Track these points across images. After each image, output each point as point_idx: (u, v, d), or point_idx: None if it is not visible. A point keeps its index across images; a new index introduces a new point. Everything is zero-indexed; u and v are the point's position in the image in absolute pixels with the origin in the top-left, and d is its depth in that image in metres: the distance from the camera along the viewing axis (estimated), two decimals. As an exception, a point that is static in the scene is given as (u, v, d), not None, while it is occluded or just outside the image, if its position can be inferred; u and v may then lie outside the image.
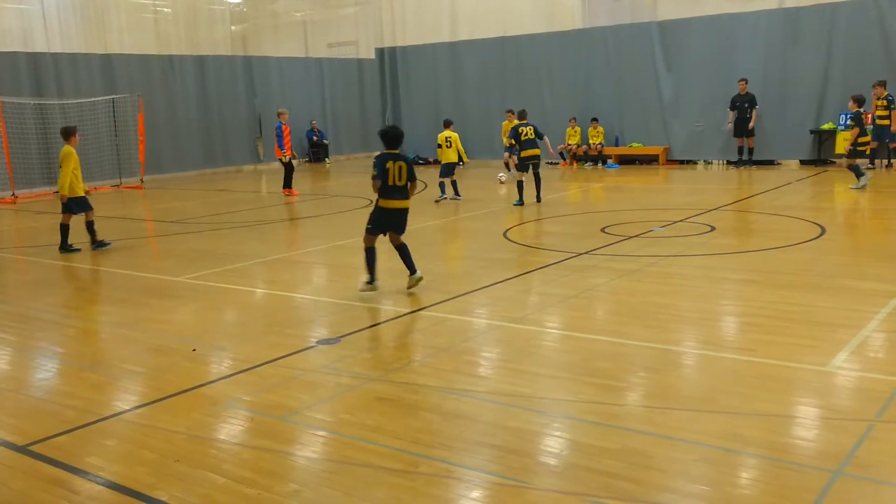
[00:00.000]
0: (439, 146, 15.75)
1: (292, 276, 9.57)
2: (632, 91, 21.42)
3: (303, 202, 16.75)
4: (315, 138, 26.07)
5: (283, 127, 17.21)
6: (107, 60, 21.28)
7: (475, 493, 4.03)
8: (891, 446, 4.31)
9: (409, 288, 8.11)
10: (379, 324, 7.27)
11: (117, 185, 20.47)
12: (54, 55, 20.36)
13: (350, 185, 18.17)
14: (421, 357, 6.21)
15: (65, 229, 11.36)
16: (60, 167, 11.29)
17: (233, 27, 25.97)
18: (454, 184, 15.77)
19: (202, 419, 5.09)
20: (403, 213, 8.07)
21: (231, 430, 5.00)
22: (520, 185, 14.26)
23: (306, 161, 26.09)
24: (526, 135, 14.21)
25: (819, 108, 18.92)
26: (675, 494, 3.88)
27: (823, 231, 10.62)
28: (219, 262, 10.31)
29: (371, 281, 8.03)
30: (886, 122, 16.98)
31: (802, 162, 19.31)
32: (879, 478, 3.96)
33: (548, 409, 5.08)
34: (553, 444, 4.56)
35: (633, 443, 4.46)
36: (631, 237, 10.71)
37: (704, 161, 20.98)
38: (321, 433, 4.82)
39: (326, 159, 25.84)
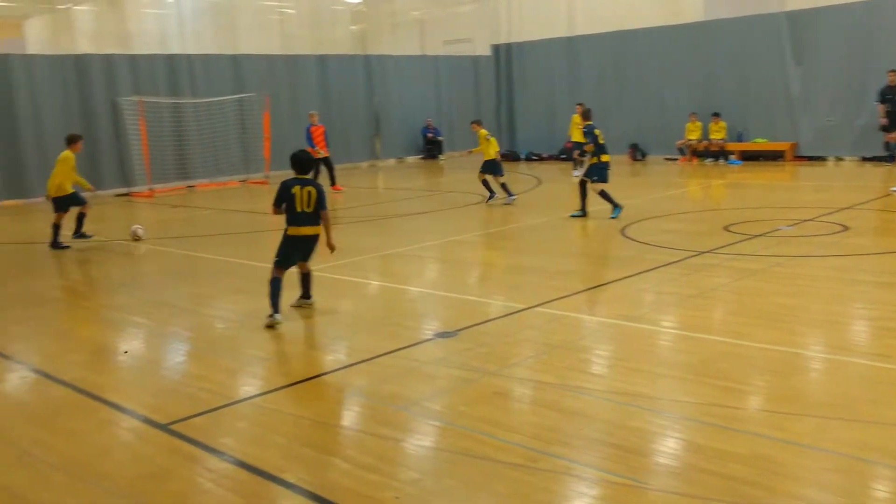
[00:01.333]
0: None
1: (408, 270, 9.76)
2: (757, 85, 20.62)
3: (418, 198, 17.02)
4: (430, 135, 26.40)
5: (311, 128, 18.12)
6: (236, 61, 22.24)
7: (594, 491, 4.02)
8: None
9: (293, 305, 7.73)
10: (494, 319, 7.33)
11: (244, 181, 21.38)
12: (188, 56, 21.45)
13: (463, 181, 18.30)
14: (537, 354, 6.23)
15: (56, 228, 11.97)
16: (55, 168, 12.03)
17: (352, 27, 26.62)
18: (504, 186, 14.90)
19: (326, 406, 5.29)
20: (313, 240, 7.56)
21: (353, 417, 5.18)
22: (606, 194, 12.42)
23: (421, 158, 26.47)
24: (602, 137, 12.60)
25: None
26: (805, 503, 3.76)
27: (969, 232, 9.94)
28: (337, 255, 10.56)
29: (273, 314, 7.23)
30: None
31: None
32: None
33: (667, 409, 5.00)
34: (673, 446, 4.49)
35: (760, 448, 4.33)
36: (755, 236, 10.35)
37: (836, 157, 19.97)
38: (440, 424, 4.92)
39: (440, 156, 26.13)
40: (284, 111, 22.71)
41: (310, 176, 7.56)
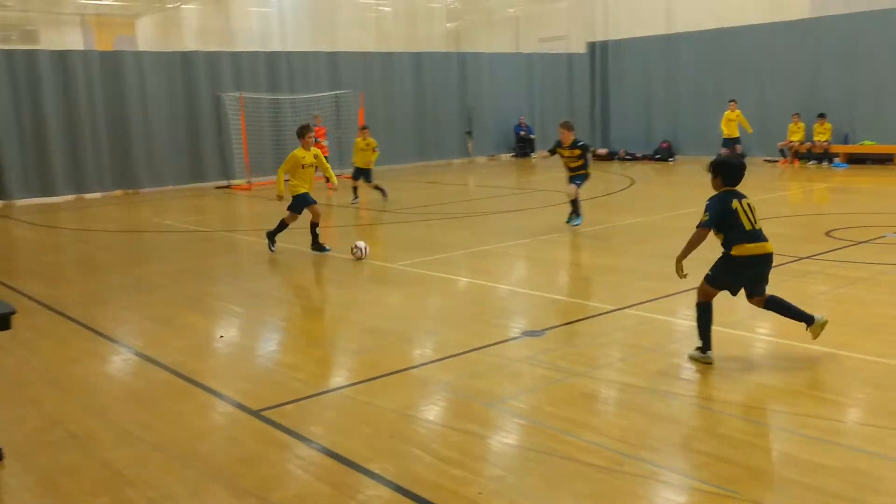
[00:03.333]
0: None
1: (497, 267, 9.77)
2: (866, 84, 19.72)
3: (510, 195, 16.99)
4: (522, 133, 26.31)
5: (315, 129, 18.21)
6: (332, 58, 22.71)
7: (681, 498, 3.95)
8: None
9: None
10: (583, 319, 7.26)
11: (338, 175, 21.80)
12: (287, 53, 22.03)
13: (555, 179, 18.16)
14: (625, 356, 6.14)
15: (281, 225, 10.98)
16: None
17: (448, 24, 26.78)
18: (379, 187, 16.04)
19: (413, 399, 5.36)
20: (768, 259, 6.03)
21: (439, 411, 5.22)
22: (577, 202, 12.05)
23: (513, 156, 26.41)
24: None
25: None
26: (904, 522, 3.59)
27: None
28: (429, 250, 10.73)
29: (705, 351, 5.92)
30: None
31: None
32: None
33: (762, 418, 4.86)
34: (766, 456, 4.36)
35: (856, 462, 4.16)
36: (860, 242, 9.91)
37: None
38: (525, 422, 4.92)
39: (532, 154, 26.02)
40: (379, 108, 23.04)
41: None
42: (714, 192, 5.92)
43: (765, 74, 21.60)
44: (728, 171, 5.90)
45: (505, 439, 4.73)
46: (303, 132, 10.93)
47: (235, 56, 21.08)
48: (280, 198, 10.87)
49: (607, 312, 7.34)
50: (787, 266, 8.83)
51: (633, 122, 24.88)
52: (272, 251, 10.93)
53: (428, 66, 24.62)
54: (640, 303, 7.53)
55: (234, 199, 18.41)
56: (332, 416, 5.18)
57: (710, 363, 5.81)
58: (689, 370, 5.81)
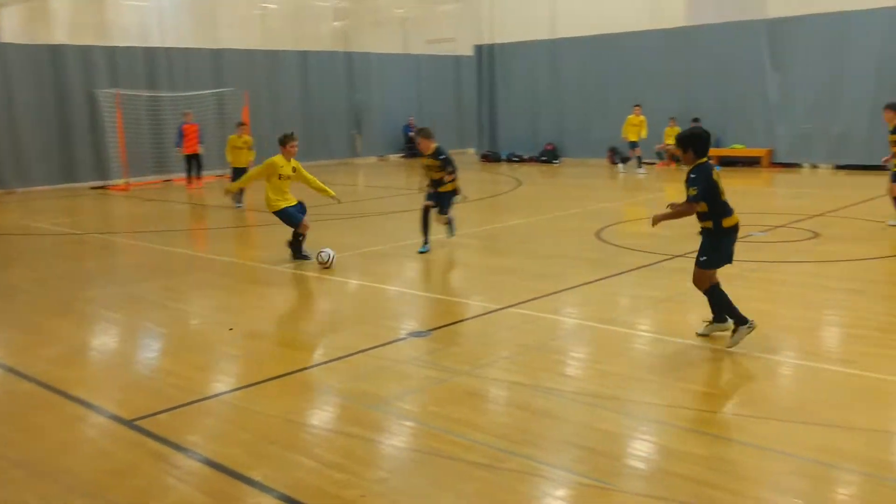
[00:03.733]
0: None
1: (385, 269, 9.74)
2: (736, 91, 20.79)
3: (398, 196, 16.98)
4: (412, 134, 26.34)
5: (184, 126, 18.52)
6: (215, 55, 22.09)
7: (560, 492, 4.03)
8: None
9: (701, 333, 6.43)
10: (469, 319, 7.33)
11: (222, 175, 21.22)
12: (167, 49, 21.28)
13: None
14: (510, 354, 6.23)
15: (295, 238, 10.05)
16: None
17: (335, 23, 26.51)
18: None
19: (296, 404, 5.26)
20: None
21: (323, 415, 5.15)
22: (451, 221, 10.84)
23: (402, 156, 26.44)
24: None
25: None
26: (766, 506, 3.79)
27: (938, 241, 10.08)
28: (313, 253, 10.57)
29: (743, 324, 6.07)
30: None
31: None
32: None
33: (636, 412, 5.02)
34: (641, 448, 4.52)
35: (724, 450, 4.37)
36: (729, 241, 10.42)
37: (811, 164, 20.18)
38: (410, 424, 4.91)
39: (422, 155, 26.09)
40: (264, 107, 22.59)
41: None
42: (690, 166, 5.95)
43: (644, 79, 22.43)
44: (699, 142, 5.97)
45: (389, 441, 4.70)
46: (285, 140, 9.98)
47: (110, 51, 20.17)
48: (228, 192, 10.84)
49: (493, 312, 7.43)
50: (663, 264, 9.19)
51: (519, 125, 25.34)
52: (312, 258, 9.68)
53: (315, 65, 24.33)
54: (525, 301, 7.67)
55: (110, 200, 17.63)
56: (212, 424, 5.01)
57: (753, 328, 6.02)
58: (570, 367, 5.95)
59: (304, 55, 24.14)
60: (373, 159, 25.91)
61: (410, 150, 26.33)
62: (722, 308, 6.15)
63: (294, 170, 10.06)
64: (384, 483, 4.12)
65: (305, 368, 5.99)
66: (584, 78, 23.83)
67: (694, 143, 5.95)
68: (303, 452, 4.50)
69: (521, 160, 24.88)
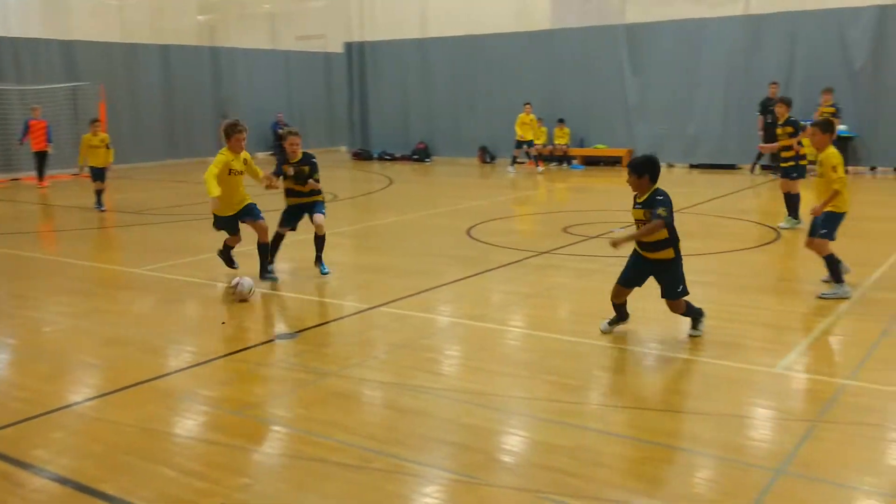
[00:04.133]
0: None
1: (251, 270, 9.47)
2: (598, 93, 21.56)
3: (266, 194, 16.56)
4: (280, 131, 25.85)
5: (31, 122, 17.90)
6: (68, 47, 20.89)
7: (428, 489, 4.03)
8: (829, 445, 4.41)
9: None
10: (338, 319, 7.24)
11: (77, 174, 20.10)
12: (13, 40, 19.94)
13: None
14: (379, 353, 6.20)
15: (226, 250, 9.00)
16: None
17: (199, 17, 25.64)
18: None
19: (155, 412, 5.03)
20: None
21: (184, 423, 4.94)
22: (277, 243, 9.11)
23: (271, 154, 25.88)
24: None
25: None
26: (623, 491, 3.93)
27: (779, 235, 10.80)
28: (178, 254, 10.19)
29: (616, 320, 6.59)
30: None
31: (763, 167, 19.55)
32: (817, 476, 4.06)
33: (504, 406, 5.10)
34: (508, 442, 4.59)
35: (586, 440, 4.50)
36: (592, 237, 10.80)
37: (667, 164, 21.18)
38: (276, 428, 4.79)
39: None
40: (122, 102, 21.59)
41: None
42: (648, 190, 6.07)
43: (512, 81, 22.91)
44: (656, 168, 6.10)
45: (253, 446, 4.57)
46: (231, 130, 8.49)
47: (-52, 40, 18.74)
48: (216, 201, 8.37)
49: (363, 311, 7.37)
50: (529, 260, 9.40)
51: (391, 123, 25.32)
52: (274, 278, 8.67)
53: (177, 59, 23.44)
54: (395, 300, 7.65)
55: (-50, 201, 16.34)
56: (61, 437, 4.71)
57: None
58: (441, 364, 5.98)
59: (166, 49, 23.21)
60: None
61: (279, 147, 25.85)
62: (696, 317, 6.41)
63: (245, 161, 8.75)
64: (247, 489, 3.99)
65: (166, 375, 5.74)
66: (454, 77, 24.07)
67: (650, 168, 6.08)
68: (161, 462, 4.30)
69: (393, 158, 24.89)
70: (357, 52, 26.08)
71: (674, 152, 20.85)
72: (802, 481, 4.03)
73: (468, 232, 11.47)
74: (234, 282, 7.82)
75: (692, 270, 8.90)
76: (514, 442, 4.58)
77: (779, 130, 11.33)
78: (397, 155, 24.99)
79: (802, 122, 11.63)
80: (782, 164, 11.37)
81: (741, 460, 4.24)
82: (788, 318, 6.97)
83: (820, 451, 4.33)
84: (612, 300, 6.39)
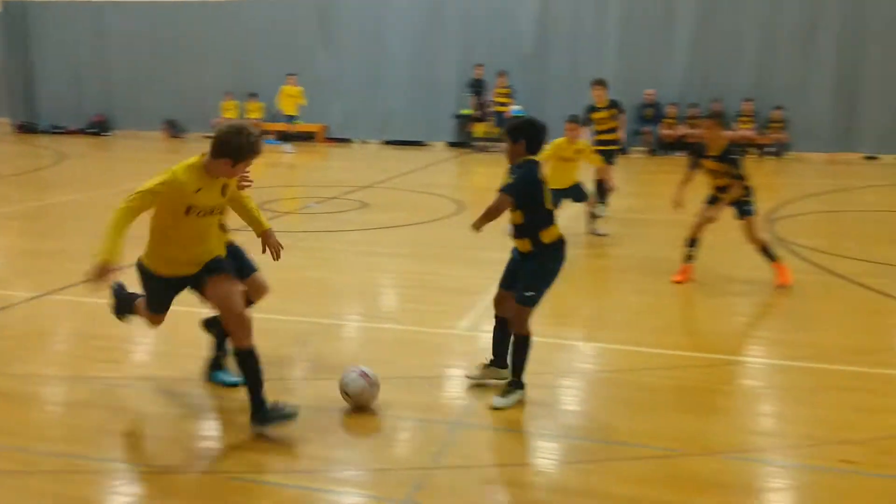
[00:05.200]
0: None
1: None
2: (289, 66, 21.28)
3: None
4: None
5: None
6: None
7: (111, 484, 3.73)
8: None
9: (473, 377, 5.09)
10: (1, 309, 6.42)
11: None
12: None
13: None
14: (49, 345, 5.60)
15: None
16: None
17: None
18: None
19: None
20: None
21: None
22: None
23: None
24: None
25: (461, 93, 20.23)
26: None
27: (462, 207, 11.53)
28: None
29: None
30: (502, 108, 18.64)
31: (449, 144, 20.70)
32: (483, 424, 4.42)
33: (183, 389, 4.87)
34: (187, 427, 4.39)
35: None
36: (286, 213, 10.70)
37: (361, 140, 21.62)
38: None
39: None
40: None
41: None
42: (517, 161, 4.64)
43: (199, 52, 21.85)
44: (535, 135, 4.62)
45: None
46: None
47: None
48: None
49: (30, 300, 6.61)
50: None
51: (62, 93, 22.92)
52: None
53: None
54: (69, 286, 6.95)
55: None
56: None
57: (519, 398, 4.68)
58: (114, 352, 5.53)
59: None
60: None
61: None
62: (523, 364, 4.71)
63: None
64: None
65: None
66: (135, 46, 22.32)
67: (529, 134, 4.61)
68: None
69: (66, 132, 22.63)
70: (19, 12, 23.22)
71: (366, 129, 21.33)
72: (474, 429, 4.36)
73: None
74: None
75: (383, 243, 9.23)
76: (194, 427, 4.39)
77: (601, 115, 10.04)
78: (71, 128, 22.77)
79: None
80: (603, 149, 9.79)
81: (438, 419, 4.47)
82: (469, 283, 7.45)
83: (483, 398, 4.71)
84: (518, 329, 4.73)
